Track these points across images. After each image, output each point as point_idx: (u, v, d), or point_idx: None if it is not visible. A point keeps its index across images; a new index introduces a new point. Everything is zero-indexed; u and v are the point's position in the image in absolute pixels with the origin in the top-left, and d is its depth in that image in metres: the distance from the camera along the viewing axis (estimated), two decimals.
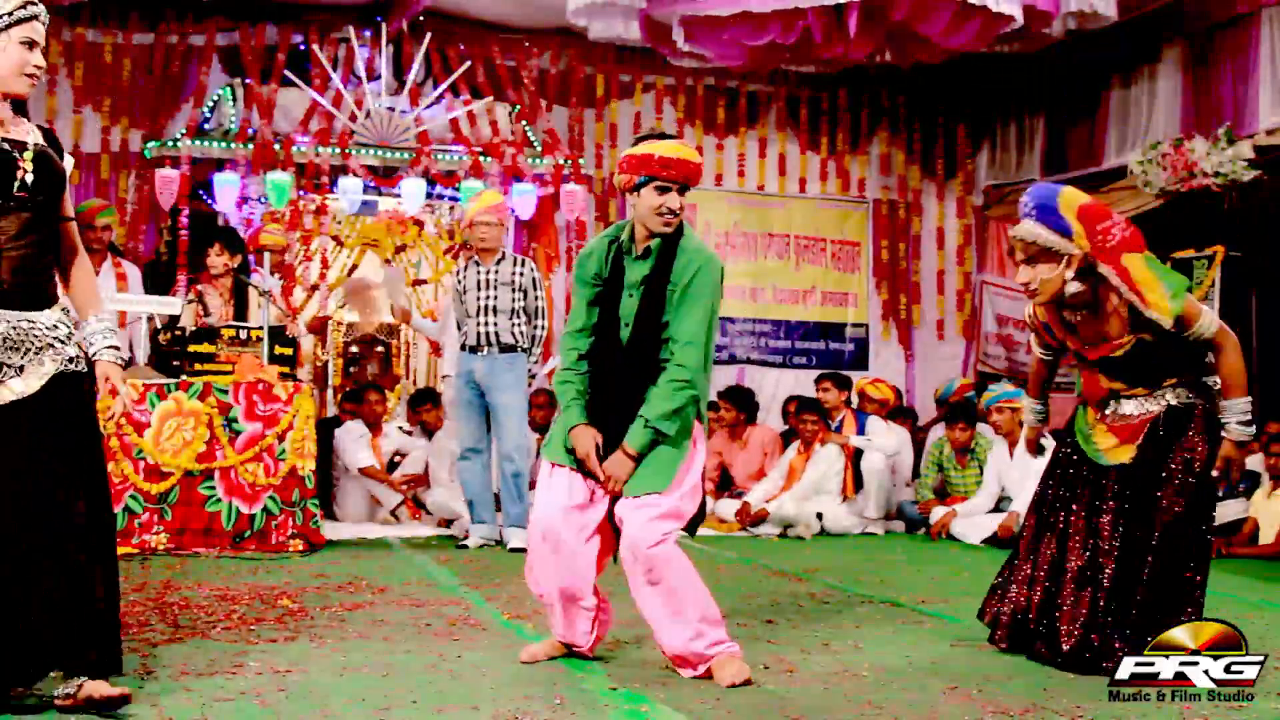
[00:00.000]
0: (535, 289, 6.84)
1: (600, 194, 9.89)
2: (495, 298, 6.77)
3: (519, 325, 6.80)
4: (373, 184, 8.89)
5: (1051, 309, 3.89)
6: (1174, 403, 3.79)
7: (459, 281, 6.94)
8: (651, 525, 3.46)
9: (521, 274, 6.83)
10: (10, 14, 3.08)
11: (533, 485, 7.44)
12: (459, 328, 6.99)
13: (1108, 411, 3.89)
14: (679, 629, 3.50)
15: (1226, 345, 3.71)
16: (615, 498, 3.58)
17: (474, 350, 6.79)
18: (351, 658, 3.70)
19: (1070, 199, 3.74)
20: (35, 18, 3.11)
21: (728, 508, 8.12)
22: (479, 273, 6.84)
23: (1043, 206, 3.72)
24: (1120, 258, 3.69)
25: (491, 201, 6.98)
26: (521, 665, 3.65)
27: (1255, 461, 7.84)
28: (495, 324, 6.75)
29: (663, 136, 3.67)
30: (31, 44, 3.11)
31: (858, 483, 8.08)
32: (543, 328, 6.93)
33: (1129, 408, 3.84)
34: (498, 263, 6.85)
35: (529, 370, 6.90)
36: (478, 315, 6.78)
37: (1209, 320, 3.70)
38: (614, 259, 3.70)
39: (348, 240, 9.17)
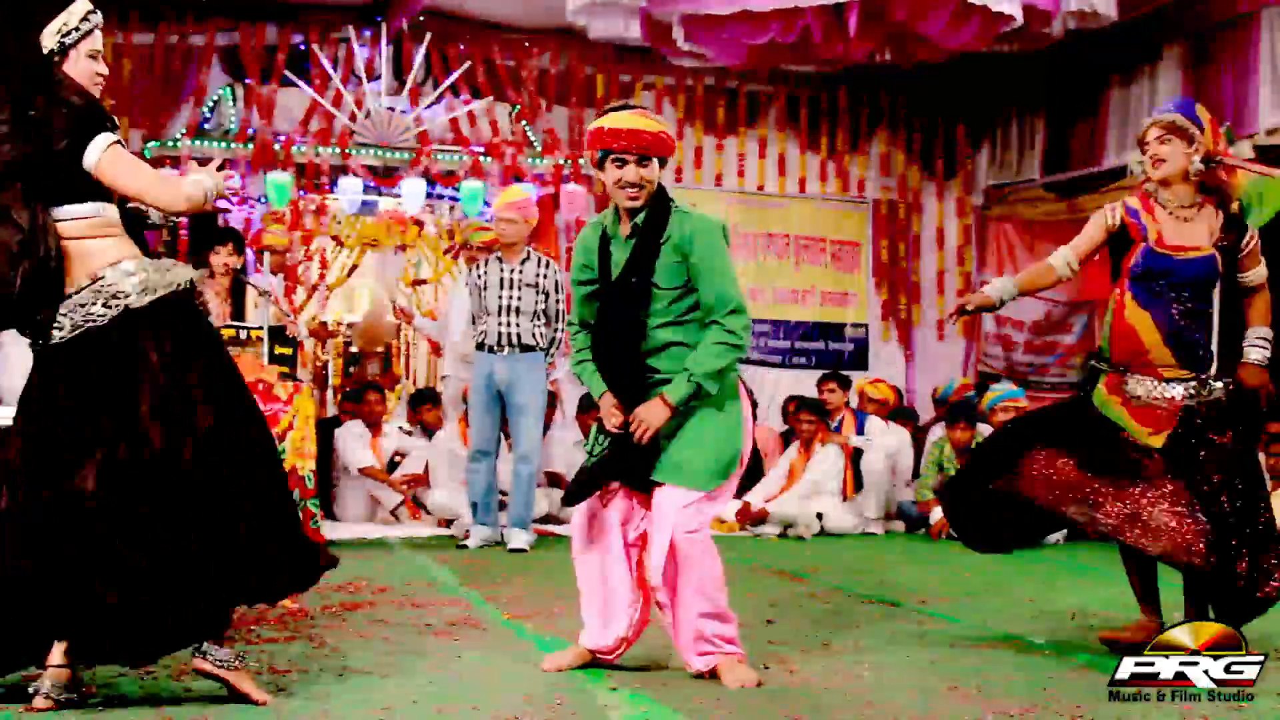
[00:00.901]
0: (557, 292, 6.79)
1: (600, 194, 9.89)
2: (519, 298, 6.72)
3: (539, 327, 6.76)
4: (373, 184, 8.89)
5: (1149, 201, 4.08)
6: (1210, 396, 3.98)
7: (479, 276, 6.87)
8: (688, 512, 3.42)
9: (545, 276, 6.78)
10: (77, 28, 3.15)
11: (539, 485, 7.46)
12: (474, 322, 6.92)
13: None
14: (701, 606, 3.45)
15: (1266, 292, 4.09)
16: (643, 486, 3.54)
17: (493, 350, 6.75)
18: (351, 658, 3.70)
19: (1204, 110, 4.11)
20: (97, 27, 3.20)
21: (728, 507, 8.11)
22: (501, 270, 6.78)
23: (1185, 104, 4.12)
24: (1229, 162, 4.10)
25: (513, 198, 6.90)
26: (521, 665, 3.65)
27: None
28: (517, 325, 6.71)
29: (625, 107, 3.53)
30: (96, 54, 3.20)
31: (858, 483, 8.08)
32: (562, 330, 6.87)
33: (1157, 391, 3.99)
34: (522, 262, 6.79)
35: (546, 372, 6.87)
36: (498, 314, 6.73)
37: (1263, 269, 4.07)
38: (601, 246, 3.60)
39: (348, 240, 9.18)
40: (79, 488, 3.00)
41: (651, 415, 3.44)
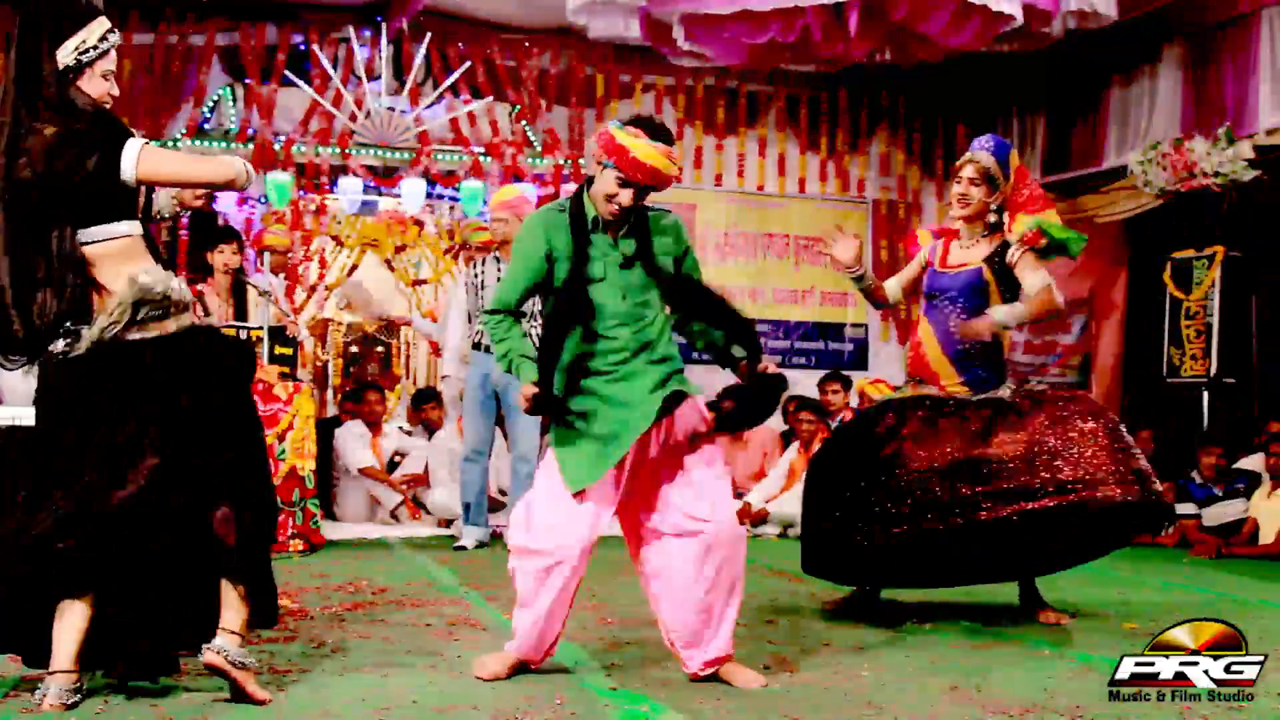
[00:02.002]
0: None
1: None
2: None
3: (535, 328, 6.75)
4: (373, 184, 8.89)
5: (950, 234, 4.63)
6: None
7: (476, 276, 6.86)
8: (734, 511, 3.51)
9: None
10: (95, 47, 3.12)
11: None
12: (469, 320, 6.91)
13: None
14: (731, 613, 3.48)
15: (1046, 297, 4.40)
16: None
17: (489, 350, 6.73)
18: (351, 658, 3.70)
19: (1016, 156, 4.60)
20: (114, 47, 3.17)
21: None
22: (499, 270, 6.76)
23: (1001, 147, 4.55)
24: (1018, 211, 4.50)
25: (506, 196, 6.89)
26: (521, 665, 3.64)
27: (1255, 461, 7.84)
28: None
29: (654, 130, 3.47)
30: (109, 74, 3.17)
31: None
32: None
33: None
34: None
35: None
36: None
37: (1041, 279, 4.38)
38: (577, 236, 3.50)
39: (348, 240, 9.18)
40: (102, 495, 3.02)
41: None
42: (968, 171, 4.49)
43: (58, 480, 3.05)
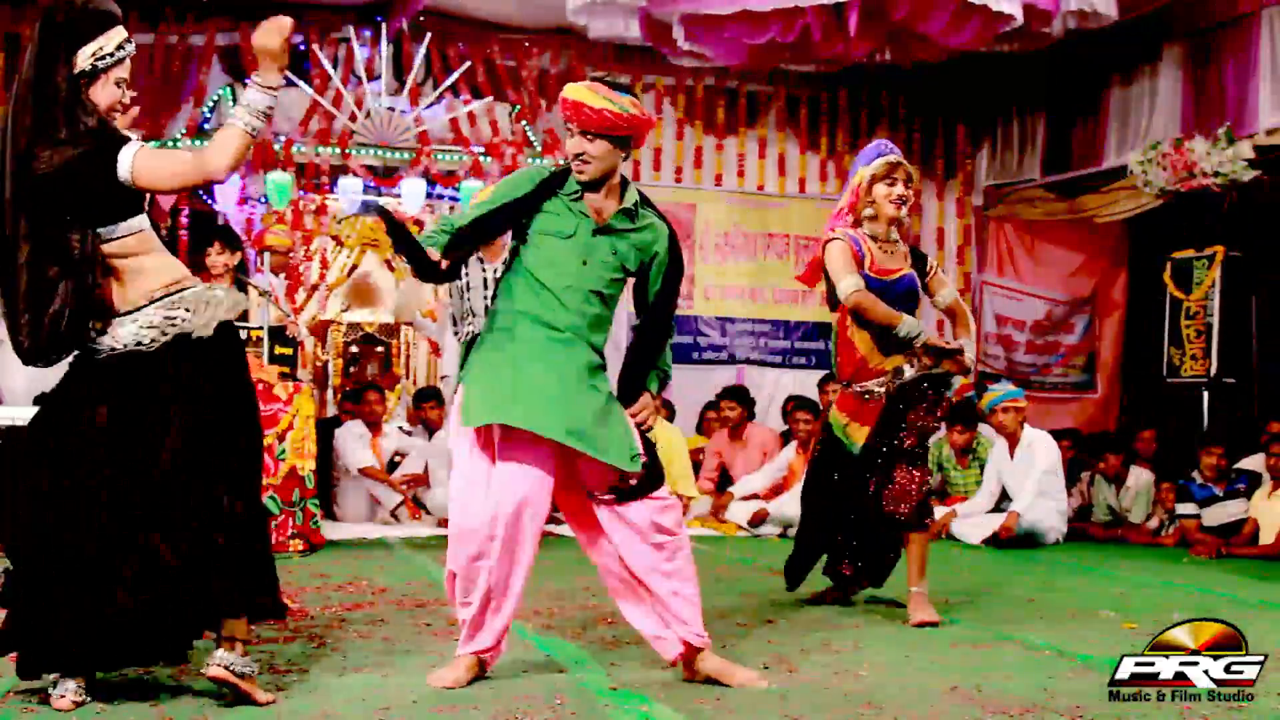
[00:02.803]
0: None
1: None
2: None
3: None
4: (373, 184, 8.89)
5: (860, 231, 4.70)
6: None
7: (462, 277, 6.89)
8: (671, 509, 3.50)
9: None
10: (112, 54, 3.12)
11: None
12: (454, 322, 6.94)
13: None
14: (693, 604, 3.48)
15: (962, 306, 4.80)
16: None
17: None
18: (351, 658, 3.70)
19: None
20: (129, 55, 3.18)
21: (741, 512, 8.06)
22: (484, 271, 6.80)
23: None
24: None
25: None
26: (520, 666, 3.64)
27: (1255, 461, 7.84)
28: None
29: (603, 81, 3.49)
30: (122, 82, 3.17)
31: None
32: None
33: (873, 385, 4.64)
34: (504, 263, 6.78)
35: None
36: (484, 315, 6.73)
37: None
38: (545, 195, 3.52)
39: (348, 240, 9.17)
40: (110, 501, 3.05)
41: (650, 414, 3.56)
42: (901, 174, 4.63)
43: (70, 478, 3.07)
